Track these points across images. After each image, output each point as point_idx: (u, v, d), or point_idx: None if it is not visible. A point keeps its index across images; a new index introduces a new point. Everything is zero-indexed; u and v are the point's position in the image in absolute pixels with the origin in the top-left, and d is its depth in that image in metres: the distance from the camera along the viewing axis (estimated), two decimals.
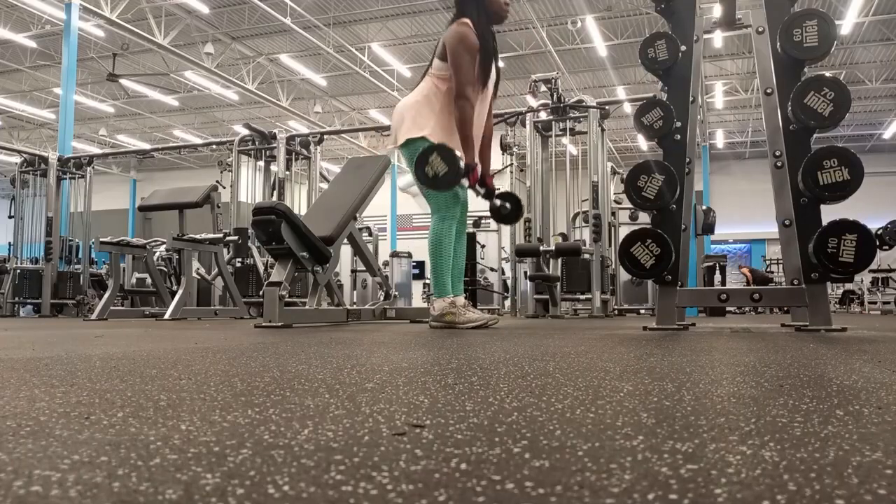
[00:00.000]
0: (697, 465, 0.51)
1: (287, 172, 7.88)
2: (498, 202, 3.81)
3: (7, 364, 1.40)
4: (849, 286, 14.34)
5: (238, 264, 7.21)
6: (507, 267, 10.37)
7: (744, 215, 20.94)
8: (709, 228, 4.19)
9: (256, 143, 8.10)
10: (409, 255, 12.86)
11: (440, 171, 3.24)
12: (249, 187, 8.12)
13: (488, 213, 4.03)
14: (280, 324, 3.55)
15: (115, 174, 25.68)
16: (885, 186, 19.65)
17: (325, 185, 7.71)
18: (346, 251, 6.87)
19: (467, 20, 3.46)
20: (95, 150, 18.35)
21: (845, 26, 13.51)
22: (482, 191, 3.61)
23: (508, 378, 1.12)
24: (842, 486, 0.45)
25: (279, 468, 0.51)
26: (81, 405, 0.82)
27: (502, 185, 9.55)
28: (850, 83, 14.02)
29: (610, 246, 7.71)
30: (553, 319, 5.83)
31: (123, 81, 16.37)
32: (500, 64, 3.91)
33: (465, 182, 3.42)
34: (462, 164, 3.30)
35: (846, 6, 12.83)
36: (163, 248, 6.69)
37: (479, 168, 3.55)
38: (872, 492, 0.44)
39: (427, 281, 12.05)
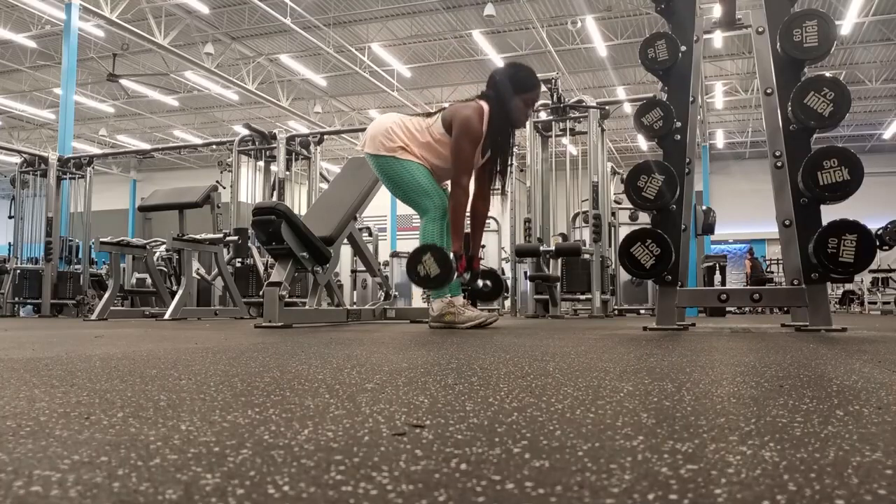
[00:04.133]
0: (697, 465, 0.51)
1: (287, 172, 7.87)
2: (480, 283, 3.83)
3: (7, 364, 1.40)
4: (849, 286, 14.33)
5: (238, 264, 7.21)
6: (507, 267, 10.36)
7: (744, 215, 20.93)
8: (709, 228, 4.19)
9: (256, 143, 8.10)
10: None
11: (432, 272, 3.27)
12: (249, 187, 8.12)
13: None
14: (280, 324, 3.55)
15: (115, 174, 25.68)
16: (885, 186, 19.65)
17: (325, 185, 7.71)
18: (346, 251, 6.87)
19: (484, 105, 3.44)
20: (95, 150, 18.35)
21: (845, 26, 13.51)
22: (467, 276, 3.62)
23: (508, 378, 1.12)
24: (842, 486, 0.45)
25: (279, 468, 0.51)
26: (81, 405, 0.82)
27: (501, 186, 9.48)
28: (850, 83, 14.01)
29: (610, 246, 7.71)
30: (553, 319, 5.83)
31: (123, 81, 16.37)
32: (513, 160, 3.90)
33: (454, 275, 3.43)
34: (453, 261, 3.31)
35: (846, 6, 12.83)
36: (163, 248, 6.69)
37: (465, 258, 3.54)
38: (872, 492, 0.44)
39: None
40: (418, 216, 3.59)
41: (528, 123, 7.26)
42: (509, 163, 3.69)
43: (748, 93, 17.65)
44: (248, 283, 7.15)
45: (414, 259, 3.29)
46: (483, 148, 3.48)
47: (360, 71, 16.26)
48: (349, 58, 15.90)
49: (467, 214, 3.60)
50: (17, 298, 8.38)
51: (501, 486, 0.46)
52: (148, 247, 6.64)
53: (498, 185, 3.73)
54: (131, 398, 0.88)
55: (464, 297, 3.64)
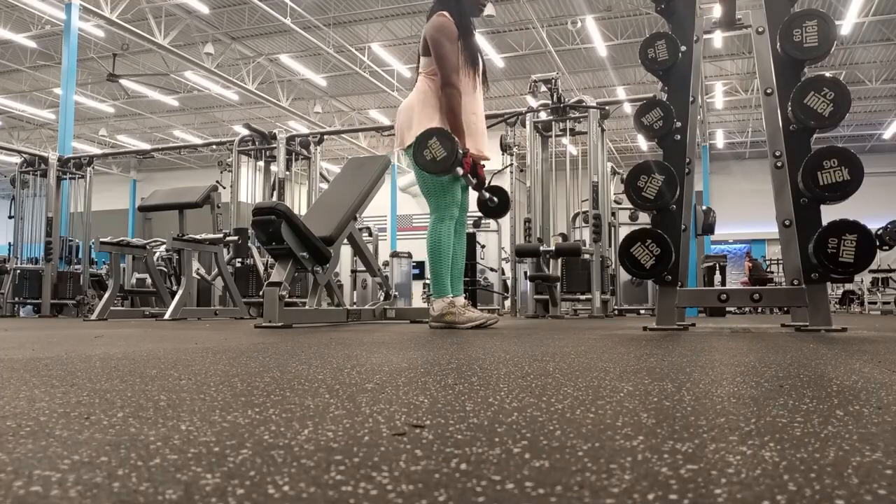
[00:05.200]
0: (697, 465, 0.51)
1: (287, 172, 7.88)
2: (487, 195, 3.85)
3: (7, 364, 1.40)
4: (849, 286, 14.33)
5: (238, 264, 7.21)
6: (507, 267, 10.37)
7: (744, 215, 20.94)
8: (709, 228, 4.19)
9: (256, 143, 8.10)
10: (409, 255, 12.86)
11: (438, 155, 3.27)
12: (249, 187, 8.12)
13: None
14: (280, 324, 3.55)
15: (115, 174, 25.68)
16: (885, 186, 19.66)
17: (325, 185, 7.71)
18: (346, 251, 6.87)
19: (445, 12, 3.52)
20: (95, 150, 18.34)
21: (845, 26, 13.51)
22: (474, 181, 3.63)
23: (508, 378, 1.12)
24: (842, 486, 0.45)
25: (279, 468, 0.51)
26: (81, 405, 0.82)
27: (502, 184, 9.51)
28: (850, 83, 14.03)
29: (610, 246, 7.70)
30: (553, 320, 5.83)
31: (123, 81, 16.37)
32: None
33: (460, 170, 3.44)
34: (460, 150, 3.31)
35: (846, 6, 12.83)
36: (163, 248, 6.69)
37: (471, 156, 3.56)
38: (872, 492, 0.44)
39: (427, 281, 12.05)
40: (423, 215, 3.59)
41: (529, 125, 7.27)
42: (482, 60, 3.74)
43: (748, 93, 17.65)
44: (248, 283, 7.15)
45: (421, 144, 3.31)
46: (464, 47, 3.53)
47: (360, 71, 16.27)
48: (349, 58, 15.90)
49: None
50: (17, 298, 8.38)
51: (501, 486, 0.46)
52: (148, 247, 6.64)
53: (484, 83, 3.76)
54: (131, 398, 0.88)
55: (465, 298, 3.64)
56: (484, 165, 3.79)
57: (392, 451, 0.57)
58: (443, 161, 3.28)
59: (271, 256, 5.02)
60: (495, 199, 3.93)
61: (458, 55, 3.50)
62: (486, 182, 3.79)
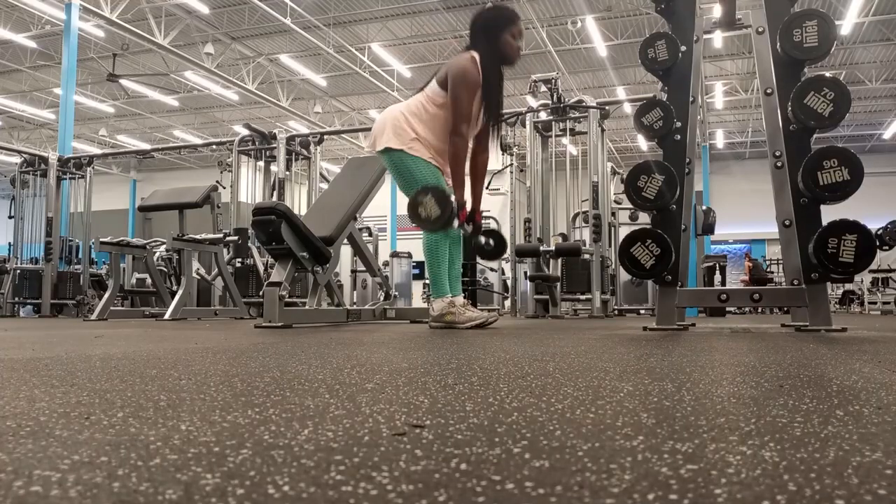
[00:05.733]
0: (697, 465, 0.51)
1: (287, 172, 7.87)
2: (482, 240, 3.82)
3: (7, 364, 1.40)
4: (849, 286, 14.33)
5: (238, 264, 7.21)
6: (507, 267, 10.36)
7: (744, 215, 20.93)
8: (709, 228, 4.19)
9: (256, 143, 8.10)
10: (409, 256, 12.86)
11: (433, 214, 3.25)
12: (249, 187, 8.12)
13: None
14: (280, 324, 3.55)
15: (115, 174, 25.67)
16: (885, 186, 19.66)
17: (325, 185, 7.71)
18: (346, 251, 6.86)
19: (475, 54, 3.44)
20: (95, 150, 18.33)
21: (845, 26, 13.51)
22: (469, 228, 3.60)
23: (508, 378, 1.12)
24: (842, 486, 0.45)
25: (279, 468, 0.51)
26: (81, 405, 0.82)
27: (502, 184, 9.49)
28: (850, 83, 14.00)
29: (610, 246, 7.70)
30: (553, 320, 5.83)
31: (123, 81, 16.36)
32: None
33: (455, 222, 3.42)
34: (455, 206, 3.30)
35: (846, 6, 12.83)
36: (163, 248, 6.69)
37: (468, 206, 3.54)
38: (872, 492, 0.44)
39: (427, 281, 12.05)
40: None
41: (529, 125, 7.27)
42: (503, 109, 3.66)
43: (748, 93, 17.65)
44: (248, 283, 7.14)
45: (415, 201, 3.27)
46: (482, 94, 3.46)
47: (360, 71, 16.26)
48: (349, 58, 15.89)
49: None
50: (17, 298, 8.38)
51: (501, 486, 0.46)
52: (148, 247, 6.64)
53: (495, 132, 3.68)
54: (131, 398, 0.88)
55: (464, 297, 3.64)
56: (482, 212, 3.77)
57: (392, 451, 0.57)
58: (436, 220, 3.25)
59: (271, 256, 5.02)
60: (491, 241, 3.91)
61: (473, 104, 3.43)
62: (483, 194, 3.78)
